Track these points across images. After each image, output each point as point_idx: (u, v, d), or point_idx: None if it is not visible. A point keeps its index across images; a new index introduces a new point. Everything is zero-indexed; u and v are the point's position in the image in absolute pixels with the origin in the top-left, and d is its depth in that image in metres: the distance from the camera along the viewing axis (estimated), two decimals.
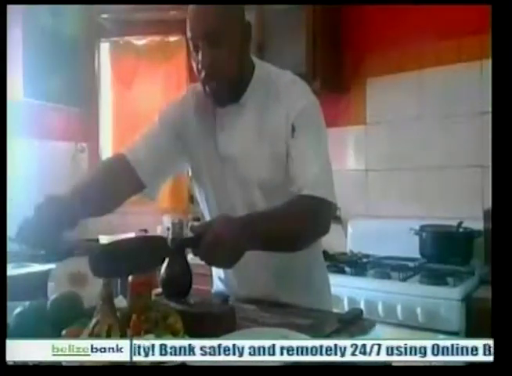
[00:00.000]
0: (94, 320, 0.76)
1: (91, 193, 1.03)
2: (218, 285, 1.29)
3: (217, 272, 1.28)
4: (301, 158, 1.03)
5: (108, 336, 0.73)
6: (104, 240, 1.47)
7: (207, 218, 1.21)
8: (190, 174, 1.25)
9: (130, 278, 0.84)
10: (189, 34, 1.05)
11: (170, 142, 1.17)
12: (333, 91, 2.45)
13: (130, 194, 1.16)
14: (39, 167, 2.66)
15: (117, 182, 1.13)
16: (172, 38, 3.06)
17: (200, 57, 1.03)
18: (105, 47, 3.13)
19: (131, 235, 1.70)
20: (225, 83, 1.06)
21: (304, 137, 1.05)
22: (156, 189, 1.20)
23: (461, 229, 2.01)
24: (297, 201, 0.99)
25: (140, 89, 3.09)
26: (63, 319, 0.87)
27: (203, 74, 1.04)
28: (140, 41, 3.13)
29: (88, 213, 1.05)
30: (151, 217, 2.94)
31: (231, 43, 1.04)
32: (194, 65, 1.07)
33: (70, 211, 0.95)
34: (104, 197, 1.09)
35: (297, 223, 0.96)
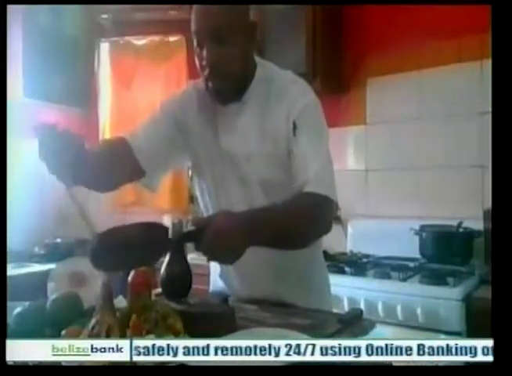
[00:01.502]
0: (93, 320, 0.76)
1: (89, 167, 1.00)
2: (217, 284, 1.29)
3: (216, 272, 1.28)
4: (303, 156, 1.03)
5: (107, 336, 0.73)
6: None
7: (208, 214, 1.21)
8: (190, 171, 1.25)
9: (129, 278, 0.84)
10: (194, 29, 1.04)
11: (171, 132, 1.16)
12: (333, 91, 2.45)
13: (128, 178, 1.15)
14: (39, 167, 2.66)
15: (116, 164, 1.10)
16: (172, 38, 3.05)
17: (204, 54, 1.03)
18: (105, 47, 3.13)
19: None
20: (228, 81, 1.06)
21: (306, 135, 1.05)
22: (155, 179, 1.18)
23: (461, 229, 2.01)
24: (298, 198, 0.99)
25: (140, 89, 3.09)
26: (63, 319, 0.87)
27: (207, 70, 1.04)
28: (140, 41, 3.12)
29: (86, 184, 1.03)
30: (151, 217, 2.94)
31: (237, 41, 1.04)
32: (197, 61, 1.07)
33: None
34: (102, 175, 1.07)
35: (298, 220, 0.96)
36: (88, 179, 1.02)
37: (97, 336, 0.73)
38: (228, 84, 1.06)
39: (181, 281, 1.06)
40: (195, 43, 1.06)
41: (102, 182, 1.10)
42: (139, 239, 0.83)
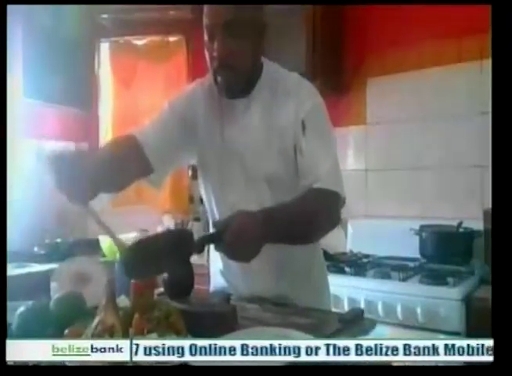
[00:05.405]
0: (96, 320, 0.76)
1: (100, 167, 1.00)
2: (217, 283, 1.29)
3: (217, 269, 1.28)
4: (313, 154, 1.06)
5: (110, 335, 0.73)
6: (104, 240, 1.47)
7: (213, 211, 1.22)
8: (191, 171, 1.26)
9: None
10: (206, 23, 1.06)
11: (179, 129, 1.17)
12: (333, 91, 2.45)
13: (137, 176, 1.14)
14: (39, 167, 2.67)
15: (126, 161, 1.10)
16: (172, 38, 3.06)
17: (215, 46, 1.04)
18: (105, 47, 3.13)
19: (134, 234, 1.70)
20: (236, 74, 1.07)
21: (315, 134, 1.08)
22: (162, 176, 1.20)
23: (461, 229, 2.01)
24: (311, 194, 1.02)
25: (140, 89, 3.09)
26: (66, 318, 0.87)
27: (216, 62, 1.06)
28: (140, 41, 3.13)
29: (99, 188, 1.01)
30: (151, 217, 2.94)
31: (247, 37, 1.06)
32: (207, 55, 1.09)
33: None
34: (112, 174, 1.05)
35: (312, 216, 0.99)
36: (100, 183, 1.00)
37: (100, 335, 0.73)
38: (236, 77, 1.08)
39: (183, 281, 1.06)
40: (206, 37, 1.07)
41: (114, 182, 1.09)
42: (168, 247, 0.85)
